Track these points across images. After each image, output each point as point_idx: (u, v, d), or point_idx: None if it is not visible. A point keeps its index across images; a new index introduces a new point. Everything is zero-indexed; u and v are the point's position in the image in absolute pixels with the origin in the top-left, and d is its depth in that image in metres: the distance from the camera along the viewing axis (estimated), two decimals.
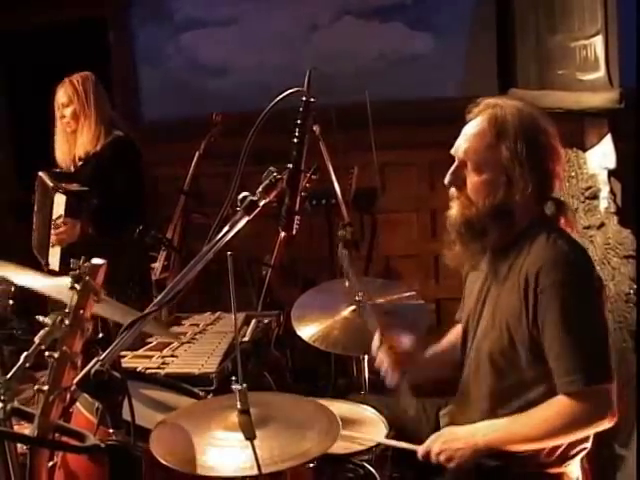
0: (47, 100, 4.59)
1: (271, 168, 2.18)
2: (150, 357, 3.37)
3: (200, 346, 3.54)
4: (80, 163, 4.43)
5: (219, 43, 6.20)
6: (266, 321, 3.84)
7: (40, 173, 4.38)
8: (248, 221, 2.11)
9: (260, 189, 2.13)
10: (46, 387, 1.88)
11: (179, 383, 2.91)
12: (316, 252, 5.21)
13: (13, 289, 3.17)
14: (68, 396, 1.93)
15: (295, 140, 2.25)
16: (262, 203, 2.10)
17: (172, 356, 3.38)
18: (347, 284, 3.52)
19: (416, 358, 3.04)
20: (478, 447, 2.55)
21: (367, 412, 3.00)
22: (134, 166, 4.44)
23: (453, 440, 2.59)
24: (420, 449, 2.64)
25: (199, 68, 6.22)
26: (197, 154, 5.51)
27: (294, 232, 2.25)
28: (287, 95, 2.23)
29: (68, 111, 4.43)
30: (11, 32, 6.47)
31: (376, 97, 4.78)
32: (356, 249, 3.88)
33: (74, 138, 4.45)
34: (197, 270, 2.09)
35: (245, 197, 2.11)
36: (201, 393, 2.84)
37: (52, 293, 2.49)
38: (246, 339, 3.54)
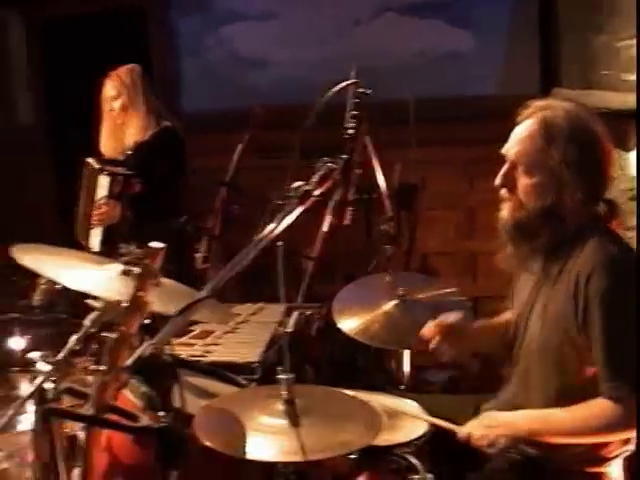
0: (88, 92, 4.65)
1: (325, 158, 2.19)
2: (193, 345, 3.40)
3: (243, 335, 3.56)
4: (129, 152, 4.51)
5: (259, 37, 6.23)
6: (308, 313, 3.84)
7: (87, 159, 4.47)
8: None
9: (315, 179, 2.14)
10: (102, 367, 1.91)
11: (222, 371, 2.93)
12: (354, 246, 5.21)
13: None
14: (122, 377, 1.96)
15: (350, 131, 2.26)
16: (317, 193, 2.11)
17: (215, 344, 3.41)
18: (388, 279, 3.53)
19: (465, 328, 3.05)
20: (518, 434, 2.58)
21: (408, 405, 3.01)
22: (179, 156, 4.54)
23: (495, 426, 2.61)
24: (461, 431, 2.66)
25: (239, 61, 6.25)
26: (240, 146, 5.52)
27: (348, 222, 2.27)
28: (343, 87, 2.24)
29: (117, 104, 4.52)
30: (50, 23, 6.54)
31: (416, 94, 4.78)
32: (396, 244, 3.90)
33: (123, 130, 4.53)
34: (249, 258, 2.10)
35: (299, 186, 2.13)
36: (244, 382, 2.86)
37: (99, 292, 2.51)
38: (289, 330, 3.55)
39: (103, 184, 4.37)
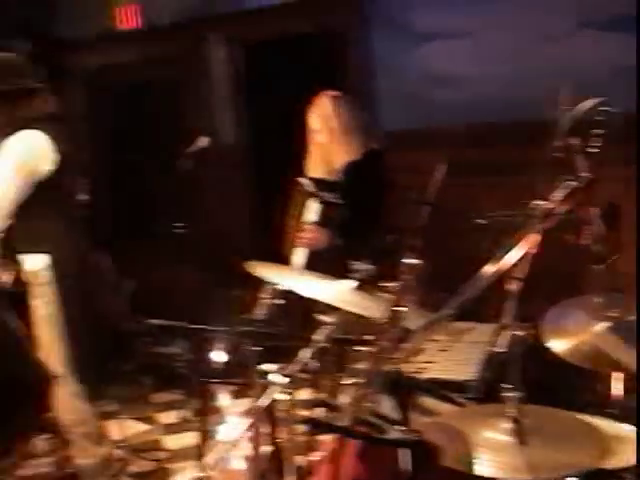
0: (288, 112, 4.77)
1: (567, 176, 2.18)
2: (408, 362, 3.41)
3: (457, 354, 3.56)
4: (338, 175, 4.61)
5: (455, 55, 6.24)
6: (519, 333, 3.80)
7: (300, 179, 4.58)
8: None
9: (557, 197, 2.13)
10: (352, 380, 1.96)
11: (438, 388, 2.94)
12: (559, 266, 5.13)
13: (279, 290, 3.32)
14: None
15: (593, 150, 2.25)
16: (559, 212, 2.11)
17: (429, 362, 3.43)
18: (598, 300, 3.46)
19: None
20: None
21: (624, 428, 2.95)
22: (386, 177, 4.60)
23: None
24: None
25: (434, 79, 6.27)
26: (443, 165, 5.53)
27: (586, 242, 2.25)
28: (592, 106, 2.23)
29: (323, 134, 4.64)
30: (251, 44, 6.74)
31: (612, 111, 4.67)
32: (605, 264, 3.82)
33: (331, 155, 4.64)
34: (490, 277, 2.11)
35: (541, 205, 2.12)
36: (461, 400, 2.86)
37: (335, 303, 2.56)
38: (501, 350, 3.53)
39: (312, 208, 4.45)
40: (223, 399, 5.29)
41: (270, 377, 2.43)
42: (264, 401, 2.39)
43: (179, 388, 6.07)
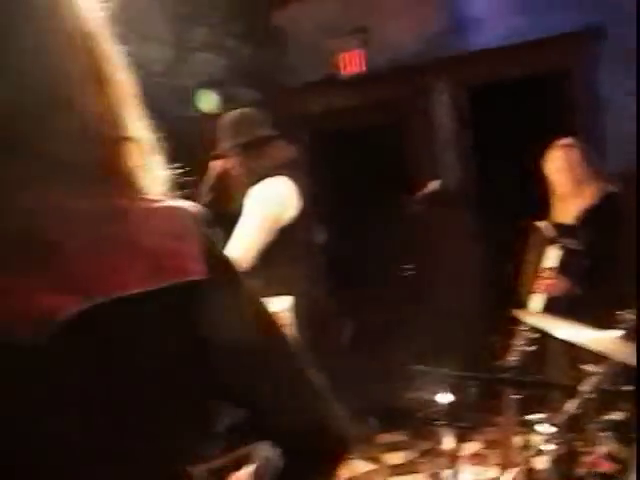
0: (516, 155, 4.77)
1: None
2: None
3: None
4: (575, 219, 4.58)
5: None
6: None
7: (538, 223, 4.58)
8: None
9: None
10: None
11: None
12: None
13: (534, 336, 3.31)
14: None
15: None
16: None
17: None
18: None
19: None
20: None
21: None
22: (625, 222, 4.52)
23: None
24: None
25: None
26: None
27: None
28: None
29: (559, 181, 4.65)
30: (475, 87, 6.77)
31: None
32: None
33: (568, 200, 4.64)
34: None
35: None
36: None
37: (608, 352, 2.53)
38: None
39: (553, 255, 4.42)
40: (450, 442, 5.29)
41: (537, 427, 2.43)
42: (530, 450, 2.38)
43: (404, 429, 6.11)
